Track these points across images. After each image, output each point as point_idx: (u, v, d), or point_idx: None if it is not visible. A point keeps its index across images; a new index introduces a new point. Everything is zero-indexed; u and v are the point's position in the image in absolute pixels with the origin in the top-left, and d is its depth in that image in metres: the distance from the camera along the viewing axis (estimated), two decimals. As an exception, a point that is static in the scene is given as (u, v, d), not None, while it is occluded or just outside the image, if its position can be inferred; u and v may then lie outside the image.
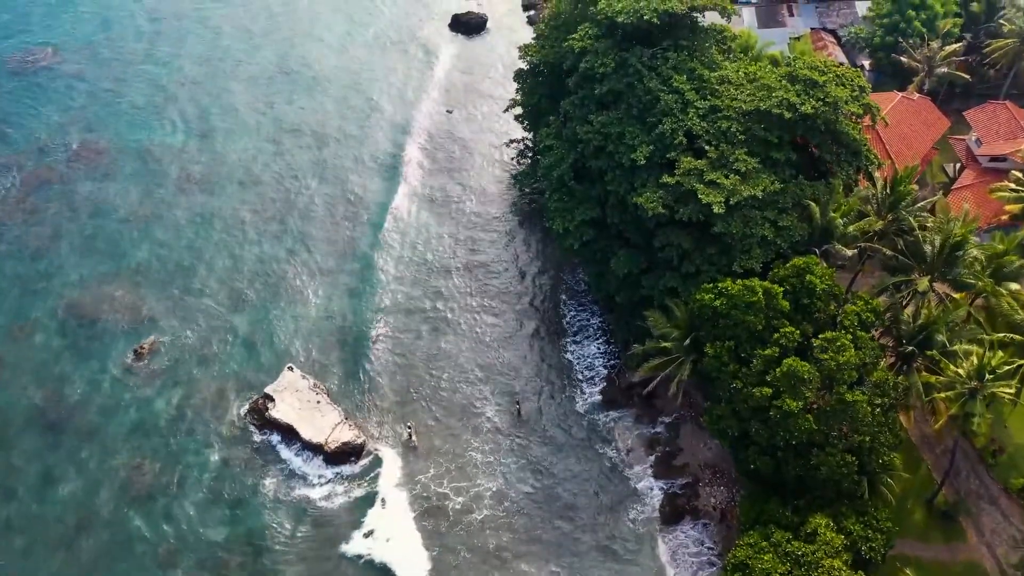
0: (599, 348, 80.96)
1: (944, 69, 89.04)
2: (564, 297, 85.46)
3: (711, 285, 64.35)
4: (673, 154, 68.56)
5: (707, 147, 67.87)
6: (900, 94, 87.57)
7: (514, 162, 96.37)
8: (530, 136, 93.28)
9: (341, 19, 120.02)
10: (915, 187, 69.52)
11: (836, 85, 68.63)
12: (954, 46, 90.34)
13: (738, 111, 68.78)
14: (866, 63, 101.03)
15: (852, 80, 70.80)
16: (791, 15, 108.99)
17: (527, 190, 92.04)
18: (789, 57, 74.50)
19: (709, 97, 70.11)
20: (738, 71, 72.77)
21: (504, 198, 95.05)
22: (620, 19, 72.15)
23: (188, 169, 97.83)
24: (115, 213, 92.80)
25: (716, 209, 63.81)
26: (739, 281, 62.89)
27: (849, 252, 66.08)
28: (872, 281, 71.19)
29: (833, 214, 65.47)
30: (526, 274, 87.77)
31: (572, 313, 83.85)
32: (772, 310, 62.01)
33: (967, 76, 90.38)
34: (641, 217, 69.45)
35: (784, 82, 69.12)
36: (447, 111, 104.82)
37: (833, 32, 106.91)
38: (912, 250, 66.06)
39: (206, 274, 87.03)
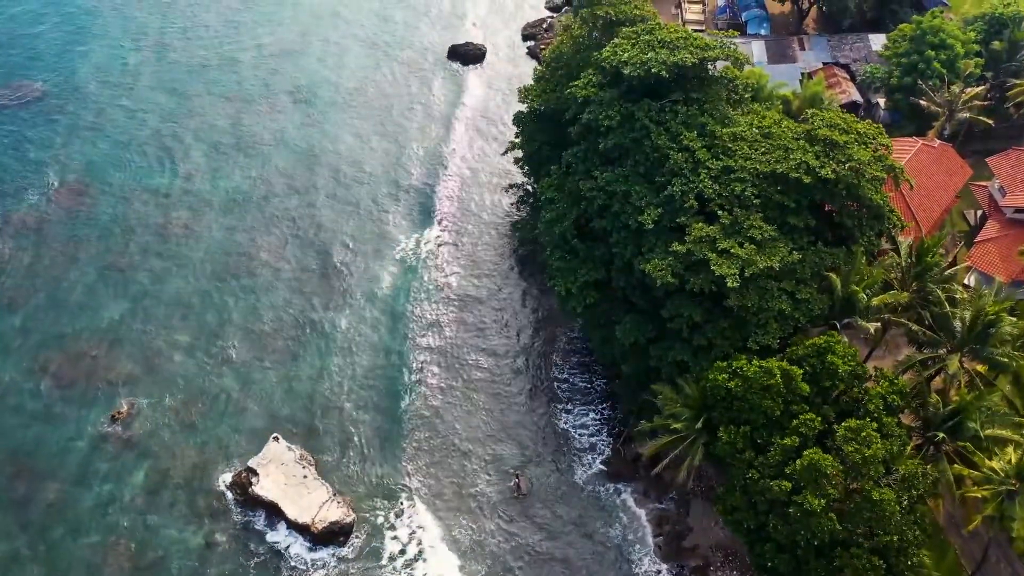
0: (603, 414, 76.55)
1: (966, 114, 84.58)
2: (565, 357, 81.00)
3: (725, 364, 59.95)
4: (683, 218, 64.10)
5: (720, 212, 63.41)
6: (920, 141, 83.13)
7: (513, 207, 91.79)
8: (530, 182, 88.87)
9: (333, 55, 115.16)
10: (942, 254, 65.01)
11: (858, 145, 64.21)
12: (976, 89, 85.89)
13: (752, 172, 64.33)
14: (881, 101, 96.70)
15: (874, 138, 66.38)
16: (802, 49, 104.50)
17: (526, 239, 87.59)
18: (807, 113, 69.93)
19: (722, 156, 65.63)
20: (751, 126, 68.31)
21: (501, 244, 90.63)
22: (627, 71, 67.72)
23: (172, 213, 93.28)
24: (95, 262, 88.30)
25: (730, 283, 59.34)
26: (755, 362, 58.46)
27: (872, 327, 61.63)
28: (894, 356, 66.62)
29: (855, 287, 60.99)
30: (524, 331, 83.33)
31: (574, 375, 79.38)
32: (791, 393, 57.59)
33: (989, 121, 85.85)
34: (649, 284, 65.03)
35: (802, 142, 64.69)
36: (451, 149, 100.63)
37: (846, 67, 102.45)
38: (940, 324, 61.61)
39: (189, 329, 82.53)
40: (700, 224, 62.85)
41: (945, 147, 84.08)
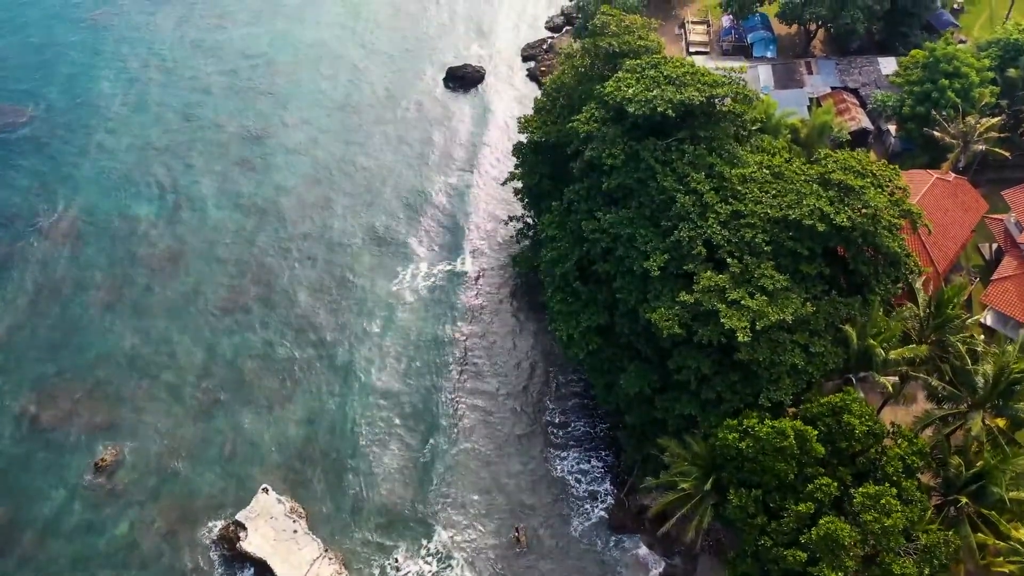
0: (605, 461, 73.51)
1: (982, 147, 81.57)
2: (565, 399, 77.85)
3: (735, 421, 57.00)
4: (691, 266, 61.11)
5: (729, 259, 60.42)
6: (935, 174, 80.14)
7: (513, 239, 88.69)
8: (530, 215, 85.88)
9: (327, 76, 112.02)
10: (964, 311, 62.03)
11: (873, 188, 61.24)
12: (992, 120, 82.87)
13: (763, 217, 61.35)
14: (892, 128, 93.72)
15: (891, 179, 63.41)
16: (810, 72, 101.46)
17: (526, 272, 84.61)
18: (819, 153, 66.89)
19: (731, 200, 62.64)
20: (760, 166, 65.33)
21: (500, 277, 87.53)
22: (631, 109, 64.75)
23: (160, 246, 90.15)
24: (79, 298, 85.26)
25: (741, 337, 56.30)
26: (767, 421, 55.50)
27: (890, 383, 58.66)
28: (910, 407, 63.59)
29: (872, 341, 58.01)
30: (523, 371, 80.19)
31: (575, 419, 76.30)
32: (805, 455, 54.70)
33: (1006, 154, 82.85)
34: (654, 332, 62.01)
35: (815, 186, 61.68)
36: (448, 178, 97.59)
37: (855, 92, 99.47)
38: (961, 379, 58.65)
39: (177, 371, 79.55)
40: (709, 272, 59.86)
41: (960, 181, 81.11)
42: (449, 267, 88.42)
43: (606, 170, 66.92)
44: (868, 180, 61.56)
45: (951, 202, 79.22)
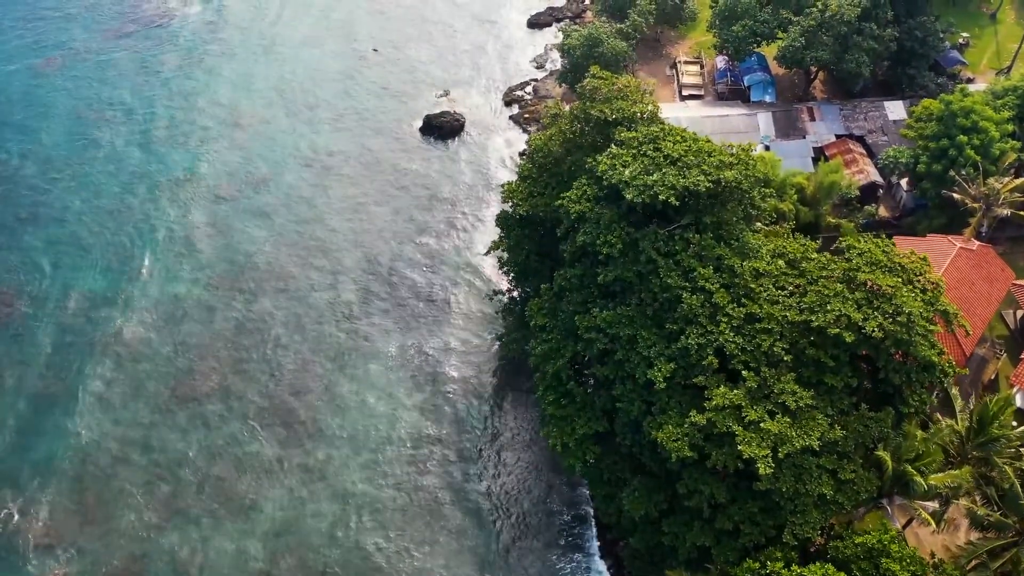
0: None
1: (1007, 211, 75.09)
2: (558, 509, 70.44)
3: (757, 565, 50.01)
4: (701, 379, 54.06)
5: (744, 370, 53.40)
6: (957, 243, 73.55)
7: (498, 315, 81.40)
8: (516, 291, 78.61)
9: (297, 124, 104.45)
10: (1013, 423, 55.29)
11: (905, 287, 54.37)
12: (1016, 181, 76.46)
13: (781, 321, 54.39)
14: (903, 183, 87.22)
15: (922, 272, 56.51)
16: (812, 119, 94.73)
17: (511, 355, 77.35)
18: (842, 243, 59.87)
19: (744, 300, 55.61)
20: (775, 258, 58.37)
21: (483, 359, 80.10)
22: (629, 196, 57.59)
23: (115, 324, 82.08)
24: (23, 390, 77.29)
25: (762, 469, 49.29)
26: (795, 569, 48.55)
27: (929, 510, 51.84)
28: (951, 532, 56.84)
29: (909, 468, 51.15)
30: (509, 472, 72.52)
31: (571, 531, 69.01)
32: (840, 608, 47.86)
33: (1031, 215, 76.61)
34: (661, 451, 55.02)
35: (839, 285, 54.70)
36: (423, 244, 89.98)
37: (861, 139, 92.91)
38: (1009, 504, 51.91)
39: (132, 475, 71.70)
40: (723, 388, 52.79)
41: (985, 249, 74.55)
42: (426, 346, 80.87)
43: (602, 260, 59.86)
44: (898, 278, 54.64)
45: (976, 274, 72.69)
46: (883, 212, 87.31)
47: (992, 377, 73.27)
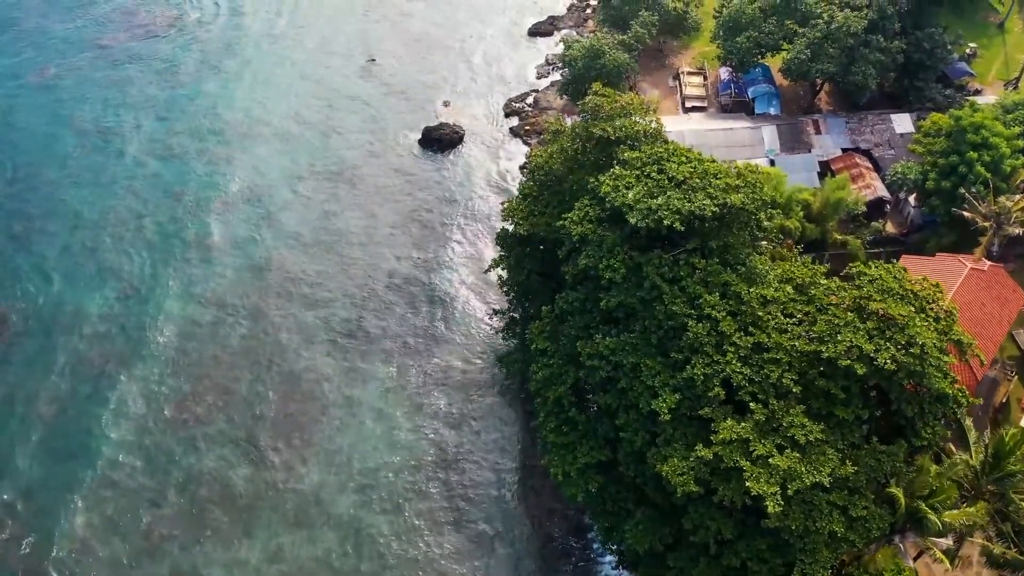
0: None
1: (1019, 230, 73.42)
2: (558, 532, 68.84)
3: (767, 605, 48.39)
4: (707, 410, 52.37)
5: (752, 402, 51.72)
6: (968, 263, 71.74)
7: (499, 335, 79.56)
8: (517, 311, 76.87)
9: (290, 139, 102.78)
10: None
11: (919, 316, 52.67)
12: (1029, 197, 74.88)
13: (790, 351, 52.70)
14: (911, 198, 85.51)
15: (935, 299, 54.83)
16: (817, 132, 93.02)
17: (513, 377, 75.68)
18: (852, 269, 58.16)
19: (751, 329, 53.92)
20: (782, 283, 56.66)
21: (482, 380, 78.18)
22: (633, 220, 55.92)
23: (103, 344, 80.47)
24: (10, 416, 75.60)
25: (771, 507, 47.64)
26: (806, 611, 46.94)
27: (943, 547, 50.16)
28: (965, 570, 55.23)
29: (923, 506, 49.46)
30: (511, 498, 70.74)
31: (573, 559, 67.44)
32: (852, 651, 46.20)
33: (1045, 238, 74.92)
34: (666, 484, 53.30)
35: (850, 315, 53.00)
36: (420, 261, 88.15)
37: (867, 153, 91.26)
38: (1026, 542, 50.31)
39: (123, 503, 69.78)
40: (730, 422, 51.10)
41: (996, 270, 72.71)
42: (426, 367, 79.10)
43: (604, 284, 58.18)
44: (911, 305, 52.96)
45: (987, 295, 70.88)
46: (890, 228, 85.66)
47: (1003, 400, 71.62)
